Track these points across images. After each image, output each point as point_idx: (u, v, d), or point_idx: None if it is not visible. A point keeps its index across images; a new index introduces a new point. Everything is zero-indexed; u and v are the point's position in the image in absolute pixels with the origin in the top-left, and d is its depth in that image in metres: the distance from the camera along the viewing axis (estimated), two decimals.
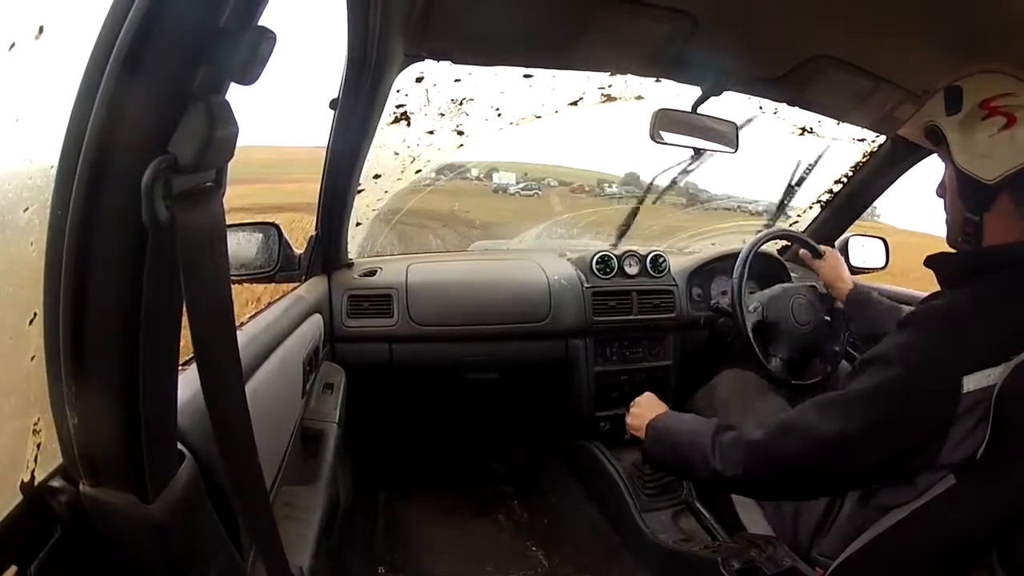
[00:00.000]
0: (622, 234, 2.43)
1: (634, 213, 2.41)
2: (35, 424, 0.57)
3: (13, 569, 0.52)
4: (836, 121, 1.85)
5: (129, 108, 0.47)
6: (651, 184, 2.34)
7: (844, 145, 2.03)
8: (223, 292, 0.56)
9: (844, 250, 2.22)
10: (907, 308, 1.40)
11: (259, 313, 1.32)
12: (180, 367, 0.61)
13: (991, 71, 1.11)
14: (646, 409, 1.38)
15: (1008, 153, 1.06)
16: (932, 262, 1.16)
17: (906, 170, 1.98)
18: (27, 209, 0.55)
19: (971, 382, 0.96)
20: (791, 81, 1.51)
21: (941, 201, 1.20)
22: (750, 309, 1.75)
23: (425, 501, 2.13)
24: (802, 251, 1.91)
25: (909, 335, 1.05)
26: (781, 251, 2.32)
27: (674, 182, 2.27)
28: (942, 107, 1.14)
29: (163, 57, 0.47)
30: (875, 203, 2.24)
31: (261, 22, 0.51)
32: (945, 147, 1.14)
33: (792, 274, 2.10)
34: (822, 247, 1.86)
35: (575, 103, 1.74)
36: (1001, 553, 0.98)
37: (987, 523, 0.98)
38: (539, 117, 1.79)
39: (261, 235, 1.70)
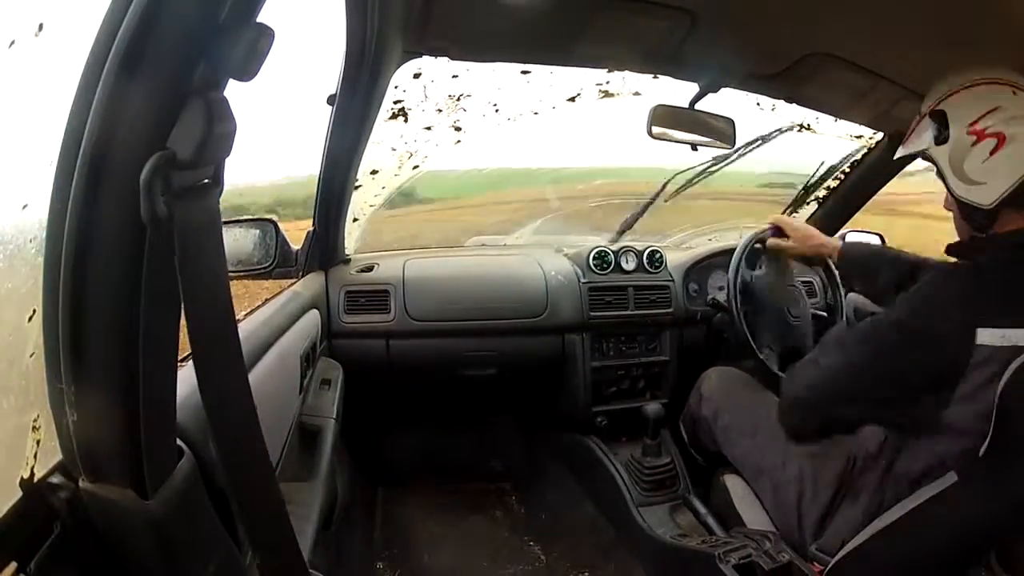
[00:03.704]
0: None
1: None
2: (34, 421, 0.57)
3: (13, 566, 0.52)
4: (834, 118, 1.85)
5: (128, 104, 0.47)
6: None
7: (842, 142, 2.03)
8: (222, 288, 0.56)
9: None
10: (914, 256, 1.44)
11: (256, 309, 1.32)
12: (179, 363, 0.61)
13: (974, 84, 1.09)
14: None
15: (1003, 175, 1.05)
16: (949, 251, 1.20)
17: (903, 167, 1.98)
18: (26, 206, 0.54)
19: (985, 335, 1.00)
20: (789, 78, 1.51)
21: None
22: (746, 304, 1.75)
23: (423, 497, 2.14)
24: (770, 241, 1.67)
25: (926, 281, 1.12)
26: None
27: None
28: (931, 136, 1.13)
29: (162, 53, 0.47)
30: None
31: (260, 19, 0.51)
32: (940, 175, 1.13)
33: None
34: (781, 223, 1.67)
35: (573, 99, 1.74)
36: (1001, 553, 0.98)
37: (987, 523, 0.99)
38: (536, 114, 1.79)
39: (258, 231, 1.69)
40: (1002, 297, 1.03)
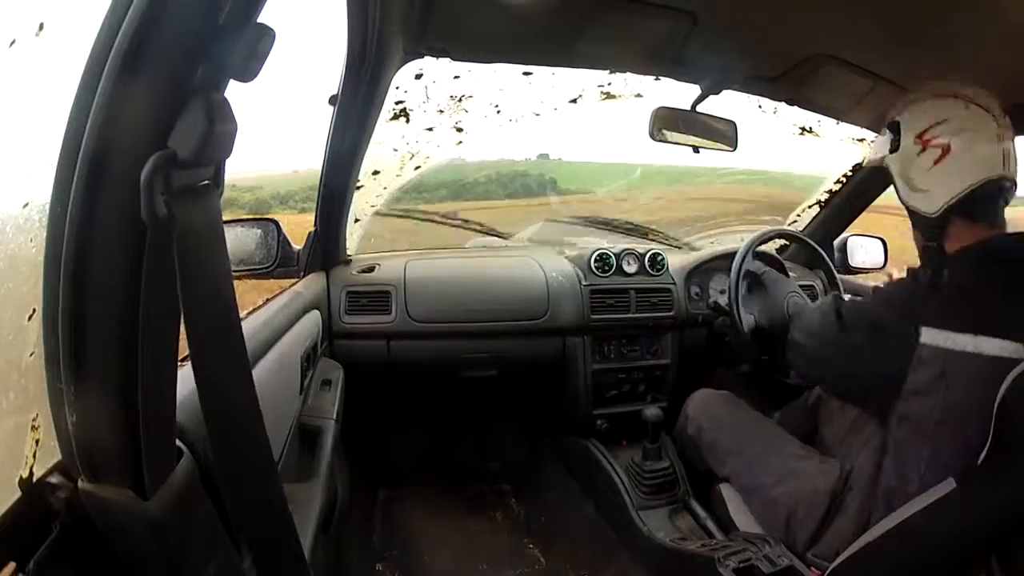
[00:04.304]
0: None
1: None
2: (34, 420, 0.57)
3: (12, 565, 0.52)
4: (836, 120, 1.85)
5: (129, 103, 0.47)
6: None
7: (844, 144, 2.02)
8: (224, 289, 0.56)
9: (843, 249, 2.23)
10: None
11: (257, 309, 1.32)
12: (179, 363, 0.61)
13: (931, 96, 1.13)
14: None
15: (945, 185, 1.09)
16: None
17: None
18: (26, 205, 0.54)
19: (929, 335, 1.05)
20: (790, 80, 1.51)
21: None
22: (747, 308, 1.75)
23: (423, 498, 2.13)
24: None
25: (884, 290, 1.22)
26: (780, 250, 2.32)
27: None
28: (887, 145, 1.17)
29: (163, 53, 0.47)
30: None
31: (260, 19, 0.51)
32: (893, 183, 1.18)
33: (790, 273, 2.09)
34: None
35: (574, 100, 1.74)
36: (1001, 558, 0.98)
37: (987, 528, 0.99)
38: (538, 115, 1.79)
39: (260, 231, 1.69)
40: (952, 303, 1.06)
